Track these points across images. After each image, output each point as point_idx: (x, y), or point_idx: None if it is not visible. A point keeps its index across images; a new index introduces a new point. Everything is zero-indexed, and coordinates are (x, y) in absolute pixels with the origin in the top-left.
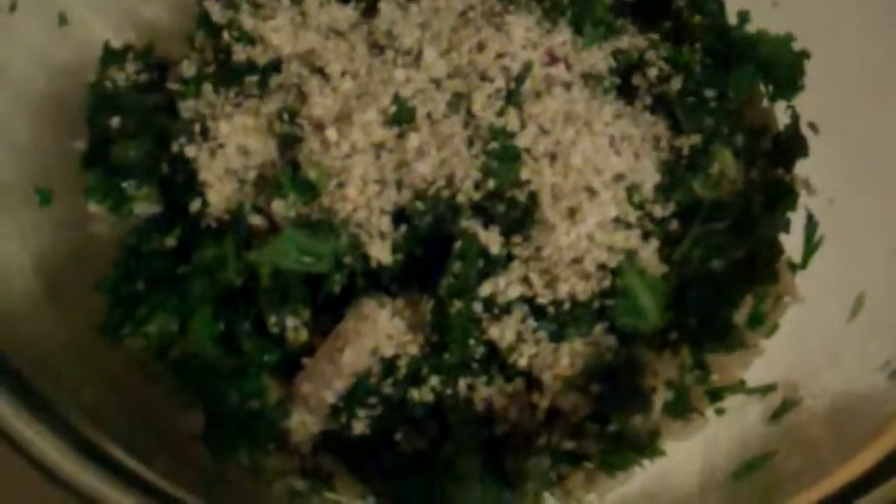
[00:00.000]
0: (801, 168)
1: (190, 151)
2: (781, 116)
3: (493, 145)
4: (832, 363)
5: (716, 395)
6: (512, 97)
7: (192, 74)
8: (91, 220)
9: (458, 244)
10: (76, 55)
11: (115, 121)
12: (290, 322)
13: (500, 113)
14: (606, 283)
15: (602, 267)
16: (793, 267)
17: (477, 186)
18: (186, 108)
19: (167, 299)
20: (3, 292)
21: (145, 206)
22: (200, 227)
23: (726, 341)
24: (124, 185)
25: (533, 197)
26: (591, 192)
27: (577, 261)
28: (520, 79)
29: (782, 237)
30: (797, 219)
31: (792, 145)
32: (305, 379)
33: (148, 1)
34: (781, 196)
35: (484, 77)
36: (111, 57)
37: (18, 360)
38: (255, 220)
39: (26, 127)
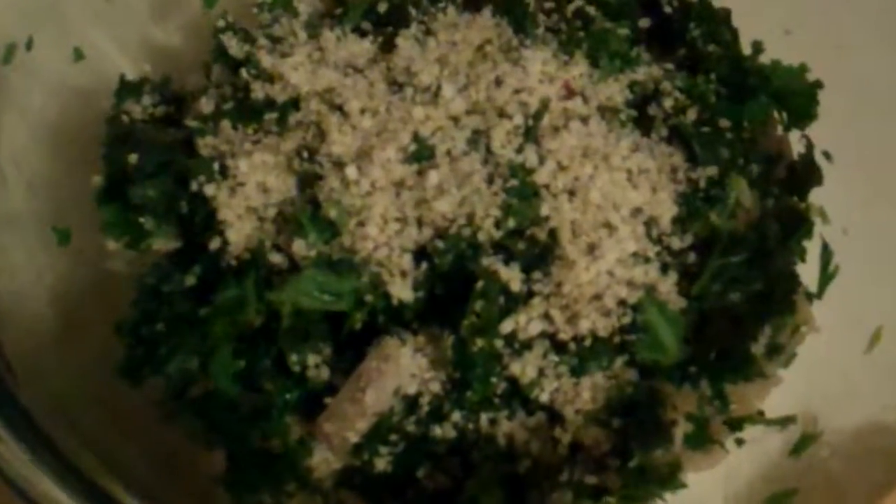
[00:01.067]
0: (816, 197)
1: (209, 190)
2: (795, 145)
3: (513, 182)
4: (851, 396)
5: (735, 425)
6: (530, 133)
7: (210, 111)
8: (109, 257)
9: (479, 283)
10: (93, 86)
11: (133, 157)
12: (312, 360)
13: (519, 149)
14: (627, 319)
15: (622, 303)
16: (809, 297)
17: (497, 224)
18: (205, 145)
19: (187, 339)
20: (18, 331)
21: (164, 243)
22: (220, 265)
23: (745, 372)
24: (143, 220)
25: (553, 234)
26: (610, 227)
27: (597, 297)
28: (538, 115)
29: (799, 267)
30: (812, 248)
31: (806, 174)
32: (328, 419)
33: (164, 28)
34: (797, 225)
35: (502, 113)
36: (127, 90)
37: (30, 402)
38: (276, 258)
39: (43, 160)
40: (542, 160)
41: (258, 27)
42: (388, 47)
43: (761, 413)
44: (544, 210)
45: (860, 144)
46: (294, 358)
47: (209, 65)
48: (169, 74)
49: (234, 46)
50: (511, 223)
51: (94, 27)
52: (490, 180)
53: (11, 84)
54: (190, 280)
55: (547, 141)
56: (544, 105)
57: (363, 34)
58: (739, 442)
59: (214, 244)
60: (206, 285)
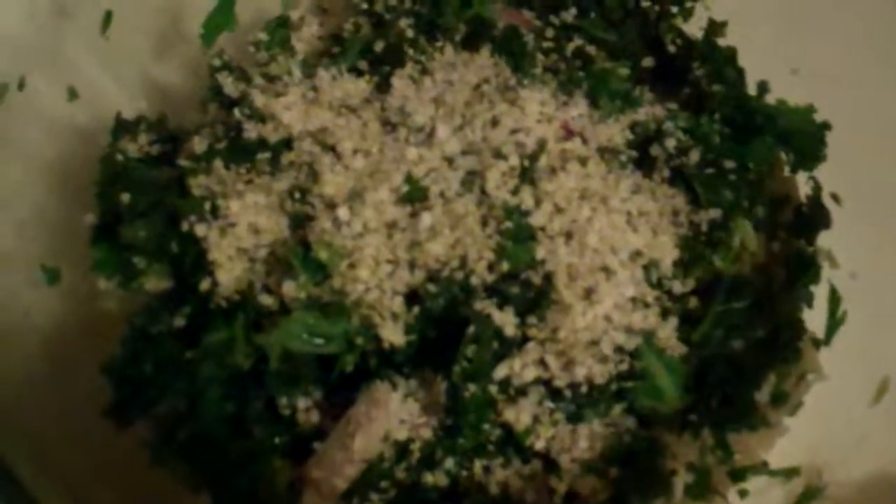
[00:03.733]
0: (824, 240)
1: (200, 230)
2: (803, 186)
3: (508, 225)
4: (859, 447)
5: (738, 475)
6: (526, 175)
7: (203, 150)
8: (100, 296)
9: (471, 328)
10: (90, 123)
11: (126, 197)
12: (302, 403)
13: (515, 191)
14: (624, 366)
15: (620, 349)
16: (816, 343)
17: (491, 268)
18: (197, 184)
19: (175, 381)
20: (4, 371)
21: (156, 282)
22: (210, 307)
23: (748, 421)
24: (134, 259)
25: (548, 277)
26: (608, 271)
27: (594, 343)
28: (534, 156)
29: (805, 312)
30: (820, 292)
31: (814, 216)
32: (316, 465)
33: (162, 66)
34: (804, 269)
35: (498, 154)
36: (123, 128)
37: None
38: (266, 300)
39: (36, 198)
40: (538, 202)
41: (254, 65)
42: (384, 87)
43: (765, 464)
44: (540, 253)
45: (869, 186)
46: (283, 401)
47: (206, 103)
48: (165, 113)
49: (229, 85)
50: (505, 266)
51: (92, 64)
52: (484, 222)
53: (6, 121)
54: (179, 321)
55: (544, 182)
56: (541, 146)
57: (359, 73)
58: (743, 493)
59: (205, 285)
60: (196, 326)
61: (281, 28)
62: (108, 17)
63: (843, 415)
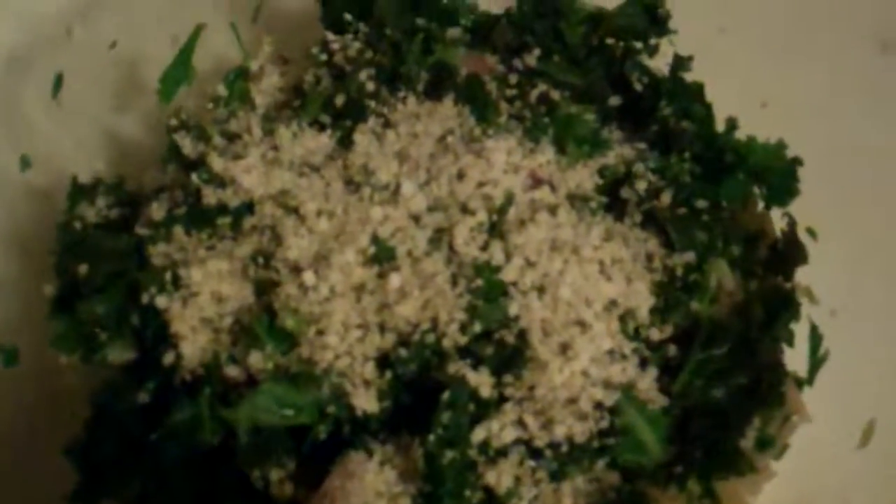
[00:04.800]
0: (802, 276)
1: (161, 302)
2: (777, 222)
3: (478, 283)
4: (846, 490)
5: None
6: (495, 229)
7: (161, 217)
8: (61, 371)
9: (446, 394)
10: (45, 185)
11: (83, 268)
12: (275, 475)
13: (484, 247)
14: (605, 423)
15: (599, 405)
16: (799, 383)
17: (463, 328)
18: (157, 253)
19: (141, 462)
20: None
21: (119, 354)
22: (174, 382)
23: (734, 468)
24: (96, 331)
25: (522, 334)
26: (583, 325)
27: (572, 400)
28: (503, 208)
29: (786, 350)
30: (800, 330)
31: (790, 253)
32: None
33: (121, 123)
34: (783, 306)
35: (465, 209)
36: (80, 193)
37: None
38: (232, 371)
39: None
40: (508, 257)
41: (214, 123)
42: (345, 142)
43: None
44: (513, 309)
45: (845, 220)
46: (256, 474)
47: (165, 163)
48: (123, 174)
49: (188, 146)
50: (478, 327)
51: (48, 123)
52: (454, 281)
53: None
54: (143, 397)
55: (513, 235)
56: (509, 198)
57: (322, 127)
58: None
59: (168, 358)
60: (162, 402)
61: (240, 80)
62: (59, 79)
63: (830, 456)
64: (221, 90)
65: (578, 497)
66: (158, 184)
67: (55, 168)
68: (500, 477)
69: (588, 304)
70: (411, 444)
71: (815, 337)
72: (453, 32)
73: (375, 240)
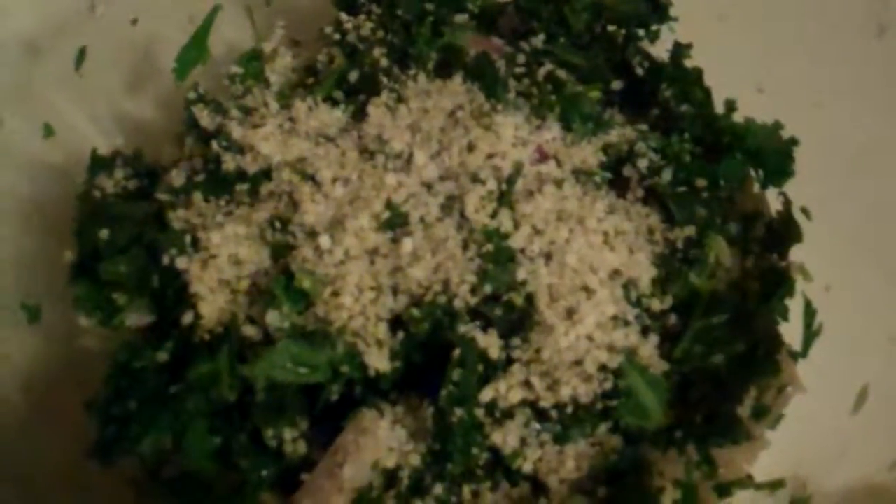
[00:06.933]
0: (796, 254)
1: (181, 263)
2: (773, 202)
3: (488, 248)
4: (841, 456)
5: (724, 490)
6: (504, 198)
7: (181, 183)
8: (81, 334)
9: (456, 352)
10: (65, 161)
11: (104, 233)
12: (288, 434)
13: (493, 214)
14: (608, 385)
15: (603, 368)
16: (794, 356)
17: (473, 291)
18: (176, 218)
19: (160, 417)
20: None
21: (137, 318)
22: (193, 340)
23: (731, 435)
24: (115, 296)
25: (530, 298)
26: (588, 290)
27: (577, 362)
28: (511, 179)
29: (782, 325)
30: (795, 306)
31: (785, 231)
32: (305, 495)
33: (136, 101)
34: (778, 283)
35: (475, 178)
36: (99, 164)
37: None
38: (249, 331)
39: (14, 238)
40: (516, 224)
41: (230, 98)
42: (359, 115)
43: (750, 477)
44: (521, 274)
45: (839, 200)
46: (270, 433)
47: (182, 136)
48: (142, 147)
49: (206, 118)
50: (487, 289)
51: (66, 102)
52: (465, 246)
53: None
54: (162, 356)
55: (521, 205)
56: (517, 169)
57: (335, 103)
58: None
59: (187, 318)
60: (180, 361)
61: (254, 60)
62: (81, 53)
63: (824, 425)
64: (237, 69)
65: (581, 460)
66: (176, 158)
67: (74, 145)
68: (506, 437)
69: (593, 272)
70: (420, 406)
71: (810, 312)
72: (461, 17)
73: (389, 205)
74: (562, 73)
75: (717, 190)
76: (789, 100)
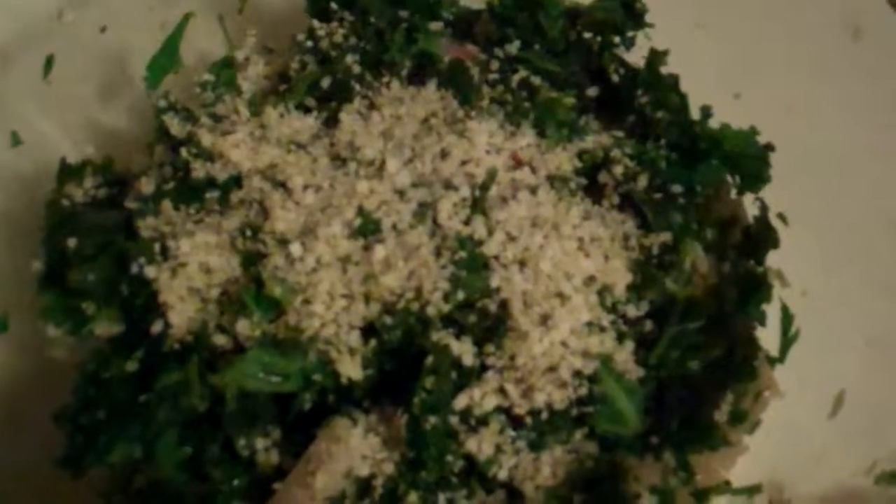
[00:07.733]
0: (773, 259)
1: (150, 272)
2: (750, 208)
3: (461, 254)
4: (818, 461)
5: (701, 495)
6: (478, 204)
7: (150, 191)
8: (50, 344)
9: (430, 359)
10: (34, 170)
11: (73, 242)
12: (260, 444)
13: (467, 221)
14: (583, 391)
15: (578, 374)
16: (771, 361)
17: (446, 298)
18: (146, 226)
19: (130, 426)
20: None
21: (106, 327)
22: (163, 349)
23: (709, 441)
24: (84, 305)
25: (504, 305)
26: (563, 297)
27: (552, 369)
28: (485, 185)
29: (759, 331)
30: (772, 311)
31: (762, 237)
32: None
33: (107, 110)
34: (755, 289)
35: (448, 185)
36: (68, 173)
37: None
38: (220, 339)
39: None
40: (490, 231)
41: (201, 106)
42: (332, 122)
43: (728, 482)
44: (494, 281)
45: (815, 206)
46: (242, 442)
47: (152, 145)
48: (112, 156)
49: (176, 126)
50: (460, 296)
51: (34, 110)
52: (438, 253)
53: None
54: (132, 366)
55: (495, 212)
56: (491, 176)
57: (307, 110)
58: None
59: (156, 327)
60: (149, 370)
61: (226, 68)
62: (49, 61)
63: (800, 431)
64: (208, 76)
65: (557, 467)
66: (145, 166)
67: (42, 154)
68: (481, 444)
69: (567, 279)
70: (394, 414)
71: (787, 317)
72: (435, 25)
73: (361, 212)
74: (536, 80)
75: (694, 196)
76: (765, 105)
